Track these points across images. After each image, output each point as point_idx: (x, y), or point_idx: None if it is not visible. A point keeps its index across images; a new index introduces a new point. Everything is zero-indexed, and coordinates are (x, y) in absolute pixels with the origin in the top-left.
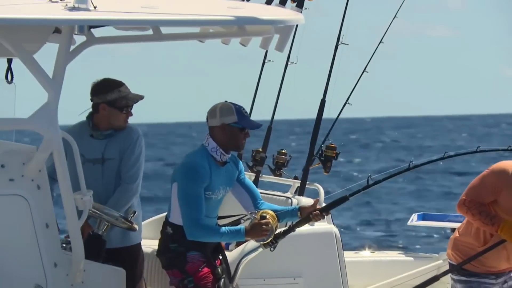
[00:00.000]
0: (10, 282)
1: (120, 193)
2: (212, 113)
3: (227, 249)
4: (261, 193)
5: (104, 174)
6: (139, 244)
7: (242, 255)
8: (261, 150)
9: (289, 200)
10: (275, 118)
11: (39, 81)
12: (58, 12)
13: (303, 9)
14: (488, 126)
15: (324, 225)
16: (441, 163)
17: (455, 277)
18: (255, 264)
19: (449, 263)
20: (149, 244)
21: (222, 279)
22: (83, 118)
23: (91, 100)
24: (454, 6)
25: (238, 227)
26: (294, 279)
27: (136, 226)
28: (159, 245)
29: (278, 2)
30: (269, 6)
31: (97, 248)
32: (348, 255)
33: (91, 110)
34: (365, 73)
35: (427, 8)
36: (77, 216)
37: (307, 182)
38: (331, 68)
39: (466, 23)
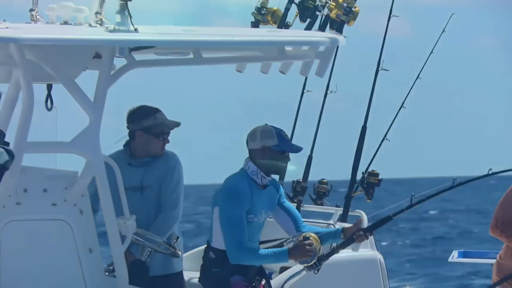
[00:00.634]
0: None
1: (161, 219)
2: (252, 136)
3: (271, 278)
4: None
5: (143, 202)
6: (181, 272)
7: (286, 279)
8: (301, 180)
9: (332, 226)
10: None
11: (81, 104)
12: (100, 34)
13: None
14: None
15: (368, 252)
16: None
17: None
18: None
19: None
20: (190, 276)
21: None
22: (120, 146)
23: (127, 127)
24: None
25: (282, 248)
26: None
27: (179, 252)
28: (201, 271)
29: (317, 29)
30: (309, 31)
31: (140, 274)
32: None
33: (127, 138)
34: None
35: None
36: (121, 241)
37: (350, 209)
38: (371, 95)
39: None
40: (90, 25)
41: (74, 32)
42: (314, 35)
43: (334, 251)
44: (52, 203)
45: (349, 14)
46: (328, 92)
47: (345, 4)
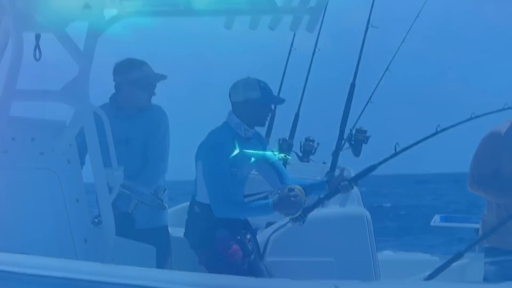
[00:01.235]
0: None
1: (148, 170)
2: (235, 88)
3: (256, 233)
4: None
5: (128, 155)
6: (166, 227)
7: (271, 232)
8: (287, 138)
9: None
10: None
11: (70, 53)
12: None
13: None
14: None
15: (355, 208)
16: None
17: (488, 259)
18: (285, 244)
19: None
20: (175, 231)
21: (252, 256)
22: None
23: (114, 80)
24: None
25: (266, 201)
26: (324, 260)
27: (166, 205)
28: (186, 226)
29: None
30: None
31: (126, 226)
32: None
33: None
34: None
35: None
36: (108, 192)
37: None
38: (361, 52)
39: None
40: None
41: None
42: None
43: (319, 202)
44: (39, 152)
45: None
46: (316, 49)
47: None
